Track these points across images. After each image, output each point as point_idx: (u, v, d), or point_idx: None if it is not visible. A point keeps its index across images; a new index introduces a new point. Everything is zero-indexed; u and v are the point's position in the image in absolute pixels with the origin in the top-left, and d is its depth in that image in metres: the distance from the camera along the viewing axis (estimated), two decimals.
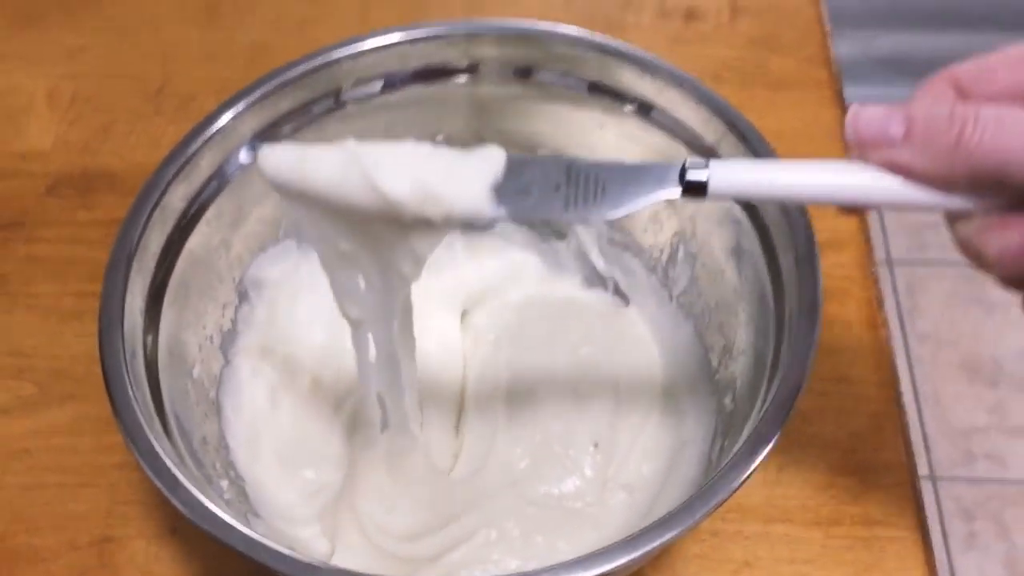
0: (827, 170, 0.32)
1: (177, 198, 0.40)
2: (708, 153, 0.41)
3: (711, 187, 0.32)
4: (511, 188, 0.33)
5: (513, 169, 0.33)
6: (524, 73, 0.44)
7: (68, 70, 0.60)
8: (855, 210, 0.38)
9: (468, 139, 0.46)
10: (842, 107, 0.58)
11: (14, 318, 0.50)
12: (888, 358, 0.47)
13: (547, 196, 0.33)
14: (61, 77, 0.60)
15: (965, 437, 1.14)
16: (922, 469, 1.11)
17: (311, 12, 0.63)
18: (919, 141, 0.30)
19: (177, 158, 0.39)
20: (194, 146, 0.40)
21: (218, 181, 0.41)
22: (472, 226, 0.33)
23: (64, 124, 0.58)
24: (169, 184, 0.39)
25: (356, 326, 0.38)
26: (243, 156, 0.42)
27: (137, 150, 0.57)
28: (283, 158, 0.34)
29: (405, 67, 0.44)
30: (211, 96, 0.54)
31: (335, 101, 0.43)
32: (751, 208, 0.39)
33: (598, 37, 0.43)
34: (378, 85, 0.44)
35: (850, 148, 0.31)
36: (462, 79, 0.44)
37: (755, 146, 0.39)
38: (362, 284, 0.37)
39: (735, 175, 0.32)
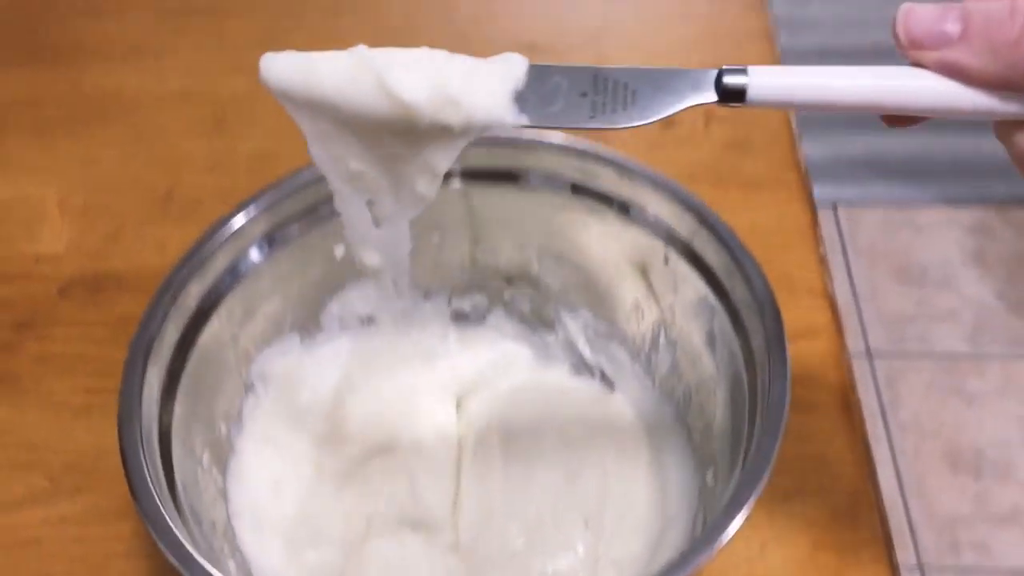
0: (875, 74, 0.30)
1: (191, 296, 0.42)
2: (684, 248, 0.44)
3: (750, 93, 0.31)
4: (534, 94, 0.32)
5: (536, 76, 0.32)
6: (512, 177, 0.48)
7: (80, 180, 0.64)
8: (903, 119, 0.34)
9: (464, 234, 0.49)
10: (812, 206, 0.62)
11: (27, 415, 0.52)
12: (863, 438, 0.50)
13: (572, 103, 0.32)
14: (73, 186, 0.63)
15: (951, 526, 1.15)
16: (909, 558, 1.12)
17: None
18: (977, 39, 0.27)
19: (193, 258, 0.42)
20: (208, 247, 0.43)
21: (230, 279, 0.44)
22: (490, 131, 0.32)
23: (76, 230, 0.61)
24: (185, 282, 0.42)
25: (374, 275, 0.39)
26: (254, 255, 0.45)
27: (144, 253, 0.60)
28: (289, 64, 0.33)
29: None
30: (216, 202, 0.57)
31: None
32: (723, 293, 0.42)
33: (579, 144, 0.47)
34: None
35: (900, 48, 0.29)
36: (456, 183, 0.48)
37: (727, 240, 0.42)
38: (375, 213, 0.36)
39: (775, 79, 0.31)
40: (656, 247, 0.45)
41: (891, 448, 1.23)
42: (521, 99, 0.32)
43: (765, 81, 0.31)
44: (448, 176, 0.47)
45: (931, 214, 1.58)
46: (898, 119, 0.33)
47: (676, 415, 0.47)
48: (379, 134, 0.33)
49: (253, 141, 0.65)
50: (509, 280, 0.51)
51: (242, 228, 0.44)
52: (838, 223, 1.58)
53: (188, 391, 0.42)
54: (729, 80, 0.31)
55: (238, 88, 0.69)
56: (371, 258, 0.39)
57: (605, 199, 0.47)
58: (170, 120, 0.67)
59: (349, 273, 0.47)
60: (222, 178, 0.63)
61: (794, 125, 0.66)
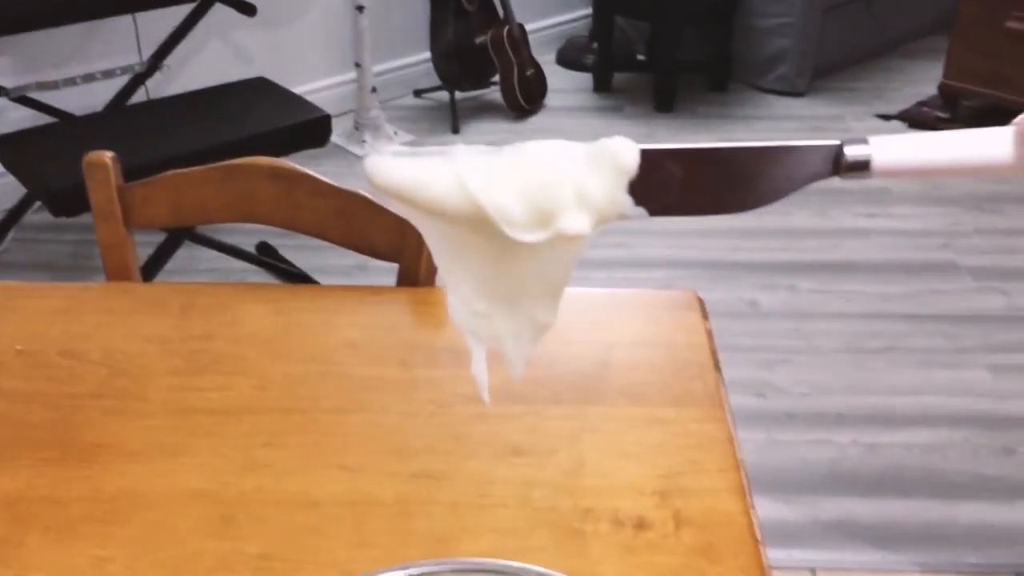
0: (994, 138, 0.31)
1: None
2: None
3: (875, 164, 0.30)
4: (649, 184, 0.30)
5: (649, 163, 0.31)
6: None
7: None
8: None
9: None
10: None
11: None
12: None
13: (688, 191, 0.30)
14: None
15: None
16: None
17: (313, 522, 0.72)
18: None
19: None
20: None
21: None
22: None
23: None
24: None
25: None
26: None
27: None
28: (395, 176, 0.34)
29: None
30: None
31: None
32: None
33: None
34: None
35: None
36: None
37: None
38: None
39: (897, 147, 0.31)
40: None
41: None
42: (635, 190, 0.31)
43: (888, 149, 0.31)
44: None
45: None
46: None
47: None
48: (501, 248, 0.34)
49: (258, 543, 0.70)
50: None
51: None
52: None
53: None
54: (851, 152, 0.31)
55: (247, 487, 0.75)
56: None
57: None
58: (180, 519, 0.73)
59: None
60: None
61: (757, 531, 0.71)
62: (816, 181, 0.31)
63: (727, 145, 0.32)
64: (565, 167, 0.33)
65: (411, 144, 3.03)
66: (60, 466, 0.77)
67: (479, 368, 0.44)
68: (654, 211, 0.32)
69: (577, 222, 0.33)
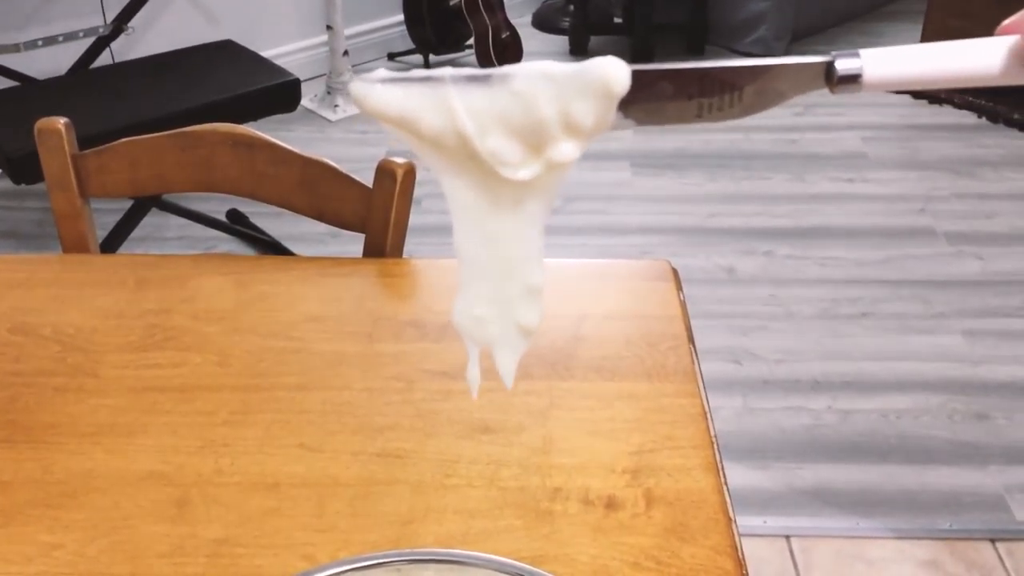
0: (983, 49, 0.31)
1: None
2: None
3: (866, 77, 0.31)
4: (641, 98, 0.31)
5: (641, 81, 0.31)
6: None
7: (36, 568, 0.65)
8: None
9: None
10: None
11: None
12: None
13: (680, 104, 0.31)
14: (35, 574, 0.65)
15: None
16: None
17: (272, 504, 0.70)
18: None
19: None
20: None
21: None
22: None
23: None
24: None
25: None
26: None
27: None
28: (381, 105, 0.35)
29: None
30: None
31: None
32: None
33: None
34: None
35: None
36: None
37: None
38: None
39: (888, 59, 0.31)
40: None
41: None
42: (627, 103, 0.31)
43: (878, 61, 0.32)
44: None
45: (882, 547, 1.60)
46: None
47: None
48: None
49: (215, 527, 0.68)
50: None
51: None
52: (792, 554, 1.60)
53: None
54: (843, 65, 0.32)
55: (204, 469, 0.72)
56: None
57: None
58: (134, 503, 0.70)
59: None
60: (183, 566, 0.65)
61: (730, 510, 0.70)
62: (806, 92, 0.32)
63: (719, 64, 0.32)
64: (553, 98, 0.33)
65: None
66: (7, 447, 0.74)
67: (473, 372, 0.46)
68: (641, 122, 0.32)
69: (567, 149, 0.33)
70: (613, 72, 0.32)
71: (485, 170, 0.36)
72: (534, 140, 0.34)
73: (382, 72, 0.38)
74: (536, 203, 0.37)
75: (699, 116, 0.32)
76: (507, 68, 0.35)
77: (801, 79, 0.32)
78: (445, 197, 0.40)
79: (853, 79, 0.32)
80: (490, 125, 0.34)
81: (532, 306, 0.40)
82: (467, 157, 0.36)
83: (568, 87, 0.33)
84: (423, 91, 0.36)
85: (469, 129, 0.34)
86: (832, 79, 0.33)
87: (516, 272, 0.40)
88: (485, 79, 0.35)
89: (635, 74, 0.31)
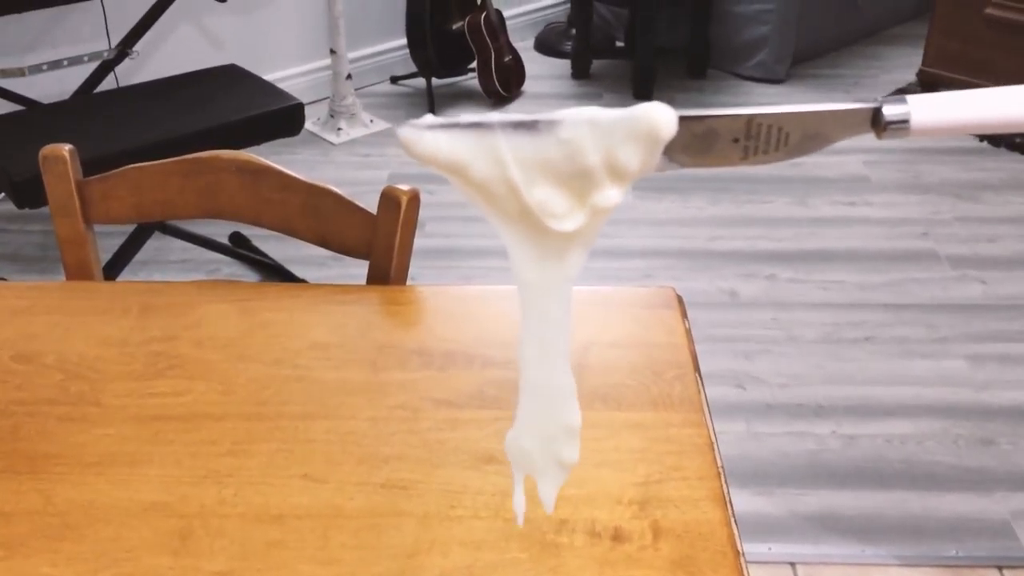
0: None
1: None
2: None
3: (914, 123, 0.30)
4: (687, 141, 0.31)
5: (688, 124, 0.31)
6: None
7: None
8: None
9: None
10: None
11: None
12: None
13: (725, 148, 0.31)
14: None
15: None
16: None
17: (276, 536, 0.69)
18: None
19: None
20: None
21: None
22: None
23: None
24: None
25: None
26: None
27: None
28: (429, 150, 0.35)
29: None
30: None
31: None
32: None
33: None
34: None
35: None
36: None
37: None
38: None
39: (939, 109, 0.31)
40: None
41: None
42: (671, 147, 0.31)
43: (926, 107, 0.31)
44: None
45: (887, 574, 1.58)
46: None
47: None
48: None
49: (219, 559, 0.67)
50: None
51: None
52: None
53: None
54: (891, 111, 0.31)
55: (207, 499, 0.72)
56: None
57: None
58: (136, 534, 0.69)
59: None
60: None
61: (738, 543, 0.69)
62: (853, 137, 0.32)
63: (766, 110, 0.32)
64: (599, 144, 0.33)
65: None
66: (9, 477, 0.74)
67: (519, 499, 0.49)
68: (685, 165, 0.32)
69: (612, 195, 0.33)
70: (660, 117, 0.32)
71: (532, 221, 0.36)
72: (579, 187, 0.34)
73: (430, 118, 0.38)
74: (577, 254, 0.37)
75: (744, 159, 0.32)
76: (554, 114, 0.36)
77: (848, 124, 0.32)
78: (511, 268, 0.39)
79: (901, 125, 0.32)
80: (537, 175, 0.34)
81: (572, 444, 0.44)
82: (516, 208, 0.36)
83: (615, 133, 0.33)
84: (472, 138, 0.36)
85: (517, 179, 0.34)
86: (880, 125, 0.33)
87: (557, 412, 0.44)
88: (532, 126, 0.35)
89: (682, 119, 0.32)
